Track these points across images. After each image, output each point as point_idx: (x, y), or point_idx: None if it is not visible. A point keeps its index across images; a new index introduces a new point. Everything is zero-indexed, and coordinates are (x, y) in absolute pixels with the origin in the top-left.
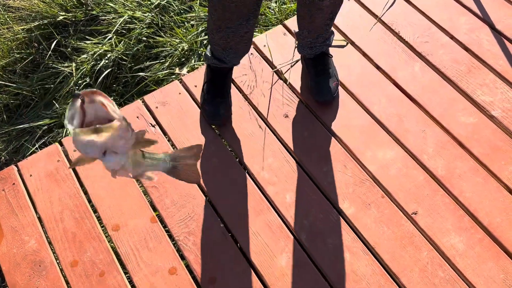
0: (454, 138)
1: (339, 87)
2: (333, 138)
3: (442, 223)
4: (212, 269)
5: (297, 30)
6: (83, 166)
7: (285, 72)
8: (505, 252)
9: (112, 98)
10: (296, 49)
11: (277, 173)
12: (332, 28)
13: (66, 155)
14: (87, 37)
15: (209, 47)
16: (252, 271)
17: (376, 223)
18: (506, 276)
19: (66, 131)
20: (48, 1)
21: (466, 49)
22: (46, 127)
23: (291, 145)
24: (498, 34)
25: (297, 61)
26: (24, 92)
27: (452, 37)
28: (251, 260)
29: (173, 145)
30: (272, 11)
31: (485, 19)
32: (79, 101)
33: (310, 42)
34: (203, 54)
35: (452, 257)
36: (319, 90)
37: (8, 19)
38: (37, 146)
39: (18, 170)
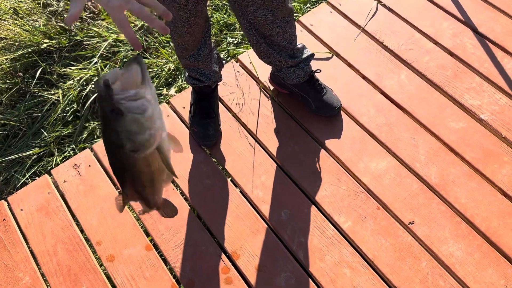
0: (445, 144)
1: None
2: (324, 152)
3: (440, 231)
4: None
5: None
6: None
7: (273, 88)
8: (505, 257)
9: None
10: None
11: (271, 190)
12: (316, 41)
13: (56, 187)
14: (72, 63)
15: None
16: None
17: (373, 235)
18: (507, 282)
19: (56, 160)
20: (30, 30)
21: (451, 54)
22: (35, 156)
23: (283, 161)
24: (481, 37)
25: None
26: (11, 122)
27: (436, 43)
28: (250, 283)
29: None
30: None
31: (468, 22)
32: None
33: (290, 59)
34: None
35: (451, 266)
36: (328, 105)
37: None
38: (27, 176)
39: (8, 205)
